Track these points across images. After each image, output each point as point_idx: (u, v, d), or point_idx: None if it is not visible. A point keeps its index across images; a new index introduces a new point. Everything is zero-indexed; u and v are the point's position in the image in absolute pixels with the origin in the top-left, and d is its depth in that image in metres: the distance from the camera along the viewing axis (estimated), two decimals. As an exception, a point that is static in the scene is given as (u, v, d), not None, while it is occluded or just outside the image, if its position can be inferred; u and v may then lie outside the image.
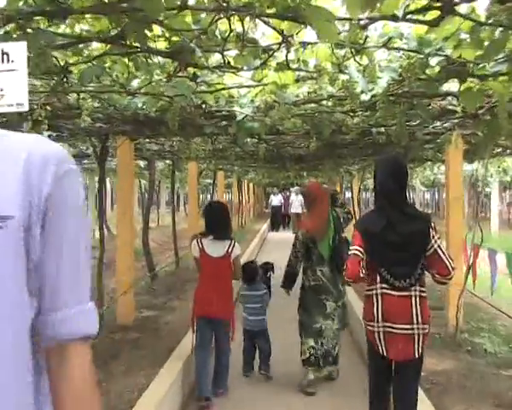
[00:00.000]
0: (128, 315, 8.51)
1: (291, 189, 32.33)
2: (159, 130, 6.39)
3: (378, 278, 4.11)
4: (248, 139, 9.36)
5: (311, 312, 6.07)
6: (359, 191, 18.48)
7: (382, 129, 6.39)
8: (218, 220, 5.88)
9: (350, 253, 4.20)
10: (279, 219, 31.35)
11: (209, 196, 28.91)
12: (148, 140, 9.43)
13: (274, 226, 30.86)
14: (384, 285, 4.10)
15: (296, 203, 27.10)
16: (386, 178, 4.19)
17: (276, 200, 31.66)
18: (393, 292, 4.07)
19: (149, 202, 11.28)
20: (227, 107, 4.93)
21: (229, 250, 5.83)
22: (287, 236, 26.40)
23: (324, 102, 5.03)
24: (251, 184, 35.73)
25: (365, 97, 4.37)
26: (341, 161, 12.91)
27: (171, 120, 4.73)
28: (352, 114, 5.53)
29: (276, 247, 21.75)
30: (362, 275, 4.14)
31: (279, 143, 9.36)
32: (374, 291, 4.15)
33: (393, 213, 4.12)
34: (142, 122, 5.82)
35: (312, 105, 5.21)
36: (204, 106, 4.82)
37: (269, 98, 4.59)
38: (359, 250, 4.15)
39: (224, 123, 5.80)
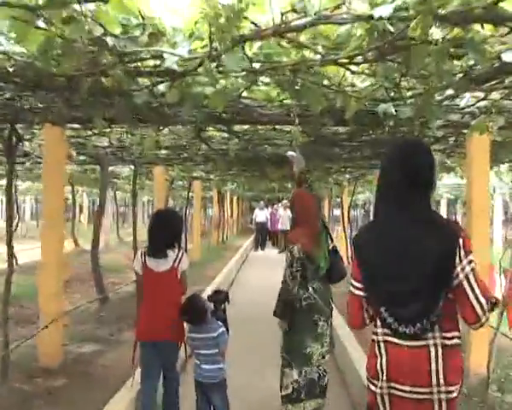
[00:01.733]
0: (53, 355, 6.59)
1: (278, 204, 30.40)
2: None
3: (378, 320, 2.94)
4: (217, 134, 7.55)
5: (301, 335, 5.25)
6: (349, 207, 16.65)
7: (392, 110, 4.54)
8: (160, 230, 5.27)
9: (350, 289, 3.05)
10: (265, 236, 28.82)
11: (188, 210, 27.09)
12: (91, 132, 7.53)
13: (259, 245, 28.21)
14: (386, 330, 2.90)
15: (285, 219, 25.19)
16: (391, 169, 2.95)
17: (261, 215, 28.77)
18: (399, 341, 2.85)
19: (100, 212, 9.35)
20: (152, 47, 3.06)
21: (176, 263, 5.20)
22: (272, 254, 24.78)
23: (308, 36, 3.15)
24: (235, 198, 33.97)
25: (384, 11, 2.49)
26: (331, 167, 11.03)
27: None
28: (353, 68, 3.67)
29: (260, 266, 19.92)
30: (367, 323, 3.05)
31: (254, 138, 7.50)
32: (375, 337, 2.97)
33: (400, 224, 2.87)
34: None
35: (290, 49, 3.32)
36: (110, 42, 2.94)
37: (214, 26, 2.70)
38: (357, 286, 3.01)
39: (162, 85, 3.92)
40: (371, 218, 3.19)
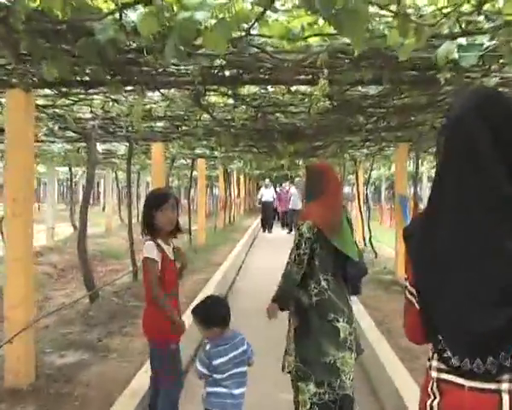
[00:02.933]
0: (22, 372, 5.37)
1: (287, 182, 29.00)
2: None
3: (432, 350, 2.02)
4: (220, 101, 6.31)
5: (318, 340, 4.30)
6: (366, 185, 15.34)
7: (455, 54, 3.28)
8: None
9: (405, 294, 2.14)
10: (272, 217, 27.22)
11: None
12: (71, 101, 6.28)
13: (266, 226, 26.52)
14: (442, 366, 1.96)
15: (296, 198, 23.93)
16: (469, 130, 1.89)
17: (267, 194, 27.23)
18: (460, 380, 1.90)
19: (87, 195, 8.08)
20: None
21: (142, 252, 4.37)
22: (282, 236, 23.58)
23: None
24: (241, 177, 32.70)
25: None
26: (350, 140, 9.73)
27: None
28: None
29: (270, 250, 18.64)
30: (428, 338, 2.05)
31: (264, 104, 6.24)
32: (429, 370, 2.03)
33: (479, 210, 1.86)
34: None
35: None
36: None
37: None
38: (413, 293, 2.08)
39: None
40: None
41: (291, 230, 23.96)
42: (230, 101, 6.23)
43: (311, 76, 4.74)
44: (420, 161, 10.83)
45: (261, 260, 16.16)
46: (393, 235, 11.74)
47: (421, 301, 2.05)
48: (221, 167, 21.92)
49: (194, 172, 18.12)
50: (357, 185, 17.27)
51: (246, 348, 4.01)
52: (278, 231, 25.80)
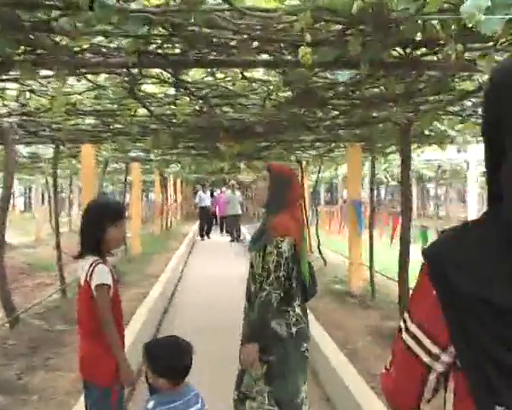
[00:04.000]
0: None
1: (224, 187, 27.92)
2: None
3: None
4: (158, 92, 5.37)
5: (294, 377, 3.83)
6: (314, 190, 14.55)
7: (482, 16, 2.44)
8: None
9: (401, 338, 1.40)
10: (210, 222, 25.86)
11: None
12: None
13: (204, 232, 24.95)
14: None
15: (234, 202, 22.97)
16: None
17: (204, 198, 25.85)
18: None
19: (4, 203, 6.94)
20: None
21: (88, 275, 3.43)
22: (220, 242, 22.61)
23: None
24: (178, 181, 31.61)
25: None
26: (302, 138, 8.84)
27: None
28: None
29: (210, 257, 17.66)
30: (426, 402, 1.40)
31: (212, 94, 5.29)
32: None
33: None
34: None
35: None
36: None
37: None
38: (427, 348, 1.34)
39: None
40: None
41: (235, 238, 22.74)
42: (171, 91, 5.26)
43: (274, 56, 3.87)
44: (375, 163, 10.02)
45: (201, 269, 15.16)
46: (340, 241, 11.00)
47: (474, 357, 1.27)
48: (157, 171, 20.80)
49: (129, 177, 17.01)
50: (303, 189, 16.50)
51: (200, 407, 3.06)
52: (217, 238, 24.75)
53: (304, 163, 15.32)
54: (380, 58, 3.72)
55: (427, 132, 7.68)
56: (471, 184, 19.32)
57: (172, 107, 5.85)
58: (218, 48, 3.75)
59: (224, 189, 28.08)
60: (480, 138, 1.37)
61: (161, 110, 6.17)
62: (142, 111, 6.11)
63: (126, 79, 4.57)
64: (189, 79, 4.83)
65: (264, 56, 4.07)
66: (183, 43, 3.78)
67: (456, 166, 23.12)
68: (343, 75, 4.49)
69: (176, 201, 31.68)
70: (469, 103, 5.85)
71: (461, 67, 3.94)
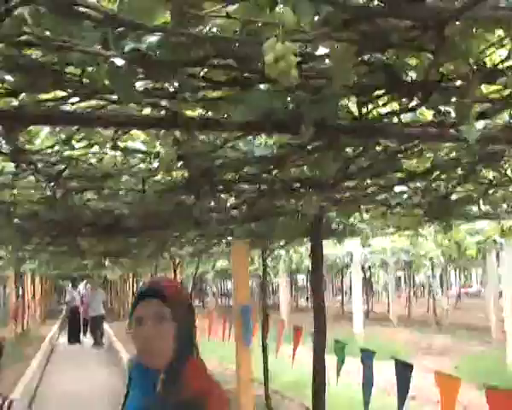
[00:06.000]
0: None
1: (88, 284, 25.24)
2: None
3: None
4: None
5: None
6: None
7: None
8: None
9: None
10: (79, 324, 22.62)
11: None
12: None
13: (74, 336, 21.88)
14: None
15: (97, 302, 20.74)
16: None
17: (73, 296, 23.46)
18: None
19: None
20: None
21: None
22: (86, 347, 19.96)
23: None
24: (37, 277, 28.84)
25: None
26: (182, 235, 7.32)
27: None
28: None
29: (77, 367, 15.17)
30: None
31: (69, 175, 3.71)
32: None
33: None
34: None
35: None
36: None
37: None
38: None
39: None
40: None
41: (98, 342, 20.10)
42: (10, 167, 3.60)
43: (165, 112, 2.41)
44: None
45: (63, 384, 12.79)
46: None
47: None
48: (11, 269, 18.33)
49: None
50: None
51: None
52: (87, 340, 21.77)
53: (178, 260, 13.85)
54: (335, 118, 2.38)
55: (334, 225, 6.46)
56: (355, 276, 18.65)
57: (14, 191, 4.17)
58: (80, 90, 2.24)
59: (88, 286, 25.55)
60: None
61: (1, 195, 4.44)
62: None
63: None
64: (36, 148, 3.23)
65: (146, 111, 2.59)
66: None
67: (337, 259, 22.46)
68: (263, 147, 3.10)
69: (34, 298, 28.80)
70: (403, 188, 4.60)
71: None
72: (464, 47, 1.75)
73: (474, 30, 1.67)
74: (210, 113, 2.51)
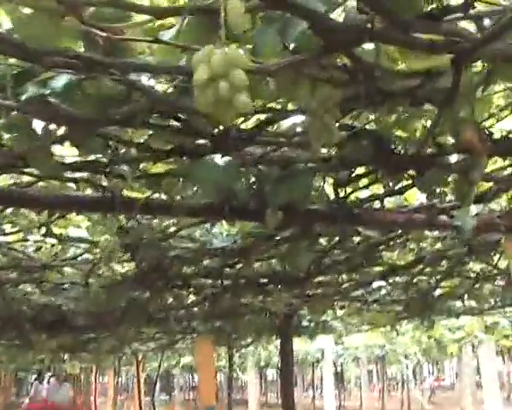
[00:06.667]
0: None
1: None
2: None
3: None
4: None
5: None
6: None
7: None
8: None
9: None
10: None
11: None
12: None
13: None
14: None
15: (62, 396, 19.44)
16: None
17: (43, 390, 21.83)
18: None
19: None
20: None
21: None
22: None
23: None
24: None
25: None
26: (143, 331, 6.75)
27: None
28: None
29: None
30: None
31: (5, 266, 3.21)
32: None
33: None
34: None
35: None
36: None
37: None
38: None
39: None
40: None
41: None
42: None
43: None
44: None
45: None
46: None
47: None
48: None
49: None
50: (138, 383, 14.30)
51: None
52: None
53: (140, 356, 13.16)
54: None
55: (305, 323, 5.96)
56: (326, 371, 18.01)
57: None
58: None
59: (51, 380, 23.94)
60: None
61: None
62: None
63: None
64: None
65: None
66: None
67: (307, 354, 21.79)
68: (223, 237, 2.64)
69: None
70: (382, 283, 4.18)
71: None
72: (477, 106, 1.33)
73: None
74: (157, 194, 2.08)
